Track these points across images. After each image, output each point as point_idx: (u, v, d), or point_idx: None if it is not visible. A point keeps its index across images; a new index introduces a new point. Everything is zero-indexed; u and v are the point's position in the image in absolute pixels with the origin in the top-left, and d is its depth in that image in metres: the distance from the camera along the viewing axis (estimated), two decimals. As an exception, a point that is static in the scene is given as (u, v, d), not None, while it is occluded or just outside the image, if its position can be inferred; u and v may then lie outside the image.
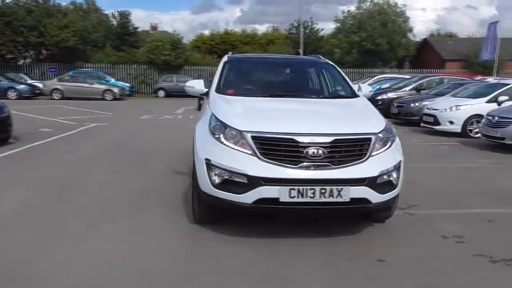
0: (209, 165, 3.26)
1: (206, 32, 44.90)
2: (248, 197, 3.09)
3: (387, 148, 3.33)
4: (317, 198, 3.08)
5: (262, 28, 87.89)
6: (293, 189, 3.05)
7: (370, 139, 3.24)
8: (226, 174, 3.17)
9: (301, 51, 27.39)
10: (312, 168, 3.09)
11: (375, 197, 3.20)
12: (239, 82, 4.68)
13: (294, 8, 75.02)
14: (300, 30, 29.74)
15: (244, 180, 3.10)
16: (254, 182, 3.07)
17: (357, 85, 4.56)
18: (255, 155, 3.11)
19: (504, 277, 2.93)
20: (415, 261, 3.14)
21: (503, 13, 76.59)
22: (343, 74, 4.67)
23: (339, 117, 3.65)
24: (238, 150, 3.17)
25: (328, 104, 4.07)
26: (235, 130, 3.23)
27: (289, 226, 3.72)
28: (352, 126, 3.35)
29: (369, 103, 4.05)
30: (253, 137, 3.16)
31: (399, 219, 3.97)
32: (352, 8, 34.39)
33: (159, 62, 27.71)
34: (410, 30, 31.44)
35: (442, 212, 4.28)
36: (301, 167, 3.08)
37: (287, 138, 3.14)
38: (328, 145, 3.13)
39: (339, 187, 3.08)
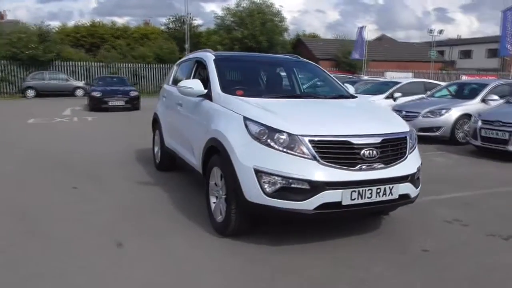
0: (259, 173, 3.04)
1: (57, 24, 40.78)
2: (311, 204, 2.98)
3: (415, 145, 3.54)
4: (374, 198, 3.13)
5: (121, 21, 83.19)
6: (354, 191, 3.05)
7: (406, 137, 3.40)
8: (282, 181, 3.00)
9: (187, 46, 26.97)
10: (368, 169, 3.12)
11: (413, 192, 3.39)
12: (238, 83, 4.45)
13: (155, 2, 72.78)
14: (186, 26, 29.26)
15: (306, 186, 2.97)
16: (318, 187, 2.97)
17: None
18: (315, 159, 3.01)
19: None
20: (450, 247, 3.41)
21: (345, 17, 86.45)
22: (330, 74, 4.79)
23: (374, 117, 3.73)
24: (295, 155, 3.02)
25: (350, 105, 4.12)
26: (287, 134, 3.07)
27: (323, 229, 3.69)
28: (391, 126, 3.46)
29: (374, 102, 4.23)
30: (310, 141, 3.05)
31: (398, 210, 4.25)
32: (232, 5, 34.98)
33: (24, 57, 24.33)
34: (286, 29, 33.42)
35: (424, 199, 4.70)
36: (359, 169, 3.08)
37: (343, 140, 3.11)
38: (378, 145, 3.19)
39: (391, 186, 3.18)
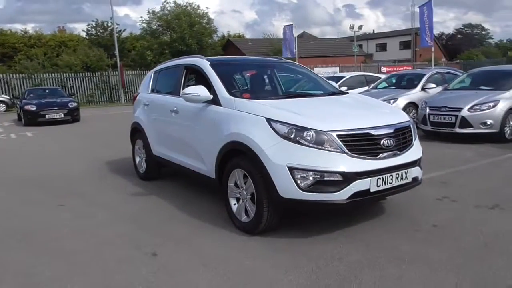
0: (293, 170, 3.22)
1: None
2: (344, 194, 3.22)
3: (416, 133, 3.93)
4: (394, 183, 3.46)
5: (25, 28, 76.48)
6: (379, 178, 3.34)
7: (410, 126, 3.78)
8: (316, 176, 3.20)
9: (116, 52, 26.00)
10: (387, 157, 3.42)
11: (420, 174, 3.79)
12: (239, 86, 4.56)
13: (61, 7, 68.73)
14: (111, 31, 28.13)
15: (339, 178, 3.20)
16: (350, 178, 3.22)
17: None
18: (344, 152, 3.25)
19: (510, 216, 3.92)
20: (454, 220, 3.85)
21: (262, 16, 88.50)
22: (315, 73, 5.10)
23: (380, 110, 4.04)
24: (326, 150, 3.24)
25: (351, 100, 4.39)
26: (315, 131, 3.27)
27: (335, 218, 3.94)
28: (397, 116, 3.80)
29: (367, 97, 4.59)
30: (338, 136, 3.28)
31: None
32: (157, 8, 34.17)
33: None
34: (215, 31, 33.54)
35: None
36: (380, 158, 3.38)
37: (365, 133, 3.38)
38: (393, 135, 3.52)
39: (406, 170, 3.52)
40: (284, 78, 5.20)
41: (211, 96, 4.08)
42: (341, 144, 3.27)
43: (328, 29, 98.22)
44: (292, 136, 3.30)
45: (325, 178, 3.21)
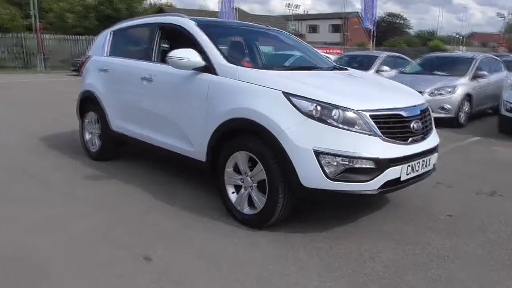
0: (320, 154, 2.71)
1: None
2: (376, 183, 2.79)
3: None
4: (420, 170, 3.11)
5: None
6: (409, 165, 2.96)
7: (429, 108, 3.44)
8: (347, 162, 2.73)
9: (33, 12, 23.15)
10: (415, 142, 3.05)
11: (436, 161, 3.48)
12: (236, 53, 3.88)
13: None
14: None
15: (371, 165, 2.76)
16: (383, 165, 2.79)
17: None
18: (377, 135, 2.80)
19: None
20: (465, 209, 3.63)
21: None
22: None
23: (398, 89, 3.63)
24: (358, 132, 2.76)
25: (362, 76, 3.92)
26: (346, 110, 2.78)
27: (344, 210, 3.54)
28: (417, 97, 3.44)
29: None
30: (372, 116, 2.82)
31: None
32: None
33: None
34: (146, -2, 31.32)
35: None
36: (410, 142, 3.00)
37: (396, 114, 2.97)
38: (419, 117, 3.15)
39: (430, 157, 3.19)
40: (277, 48, 4.60)
41: (203, 63, 3.38)
42: (375, 126, 2.81)
43: (256, 7, 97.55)
44: (318, 115, 2.77)
45: (356, 165, 2.74)
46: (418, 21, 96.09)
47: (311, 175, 2.75)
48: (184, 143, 3.60)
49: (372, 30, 19.50)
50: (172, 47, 3.82)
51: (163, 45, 4.09)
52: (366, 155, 2.74)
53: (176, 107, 3.64)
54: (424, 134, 3.17)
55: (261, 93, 2.99)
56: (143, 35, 4.34)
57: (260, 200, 3.01)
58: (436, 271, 2.57)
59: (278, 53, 4.58)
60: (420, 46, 42.48)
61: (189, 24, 3.74)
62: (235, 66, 3.27)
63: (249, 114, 2.97)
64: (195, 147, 3.48)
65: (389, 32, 51.69)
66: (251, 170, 3.08)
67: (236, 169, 3.19)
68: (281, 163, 2.83)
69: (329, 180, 2.73)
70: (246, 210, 3.14)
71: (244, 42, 4.33)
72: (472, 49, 44.21)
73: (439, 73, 8.60)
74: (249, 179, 3.09)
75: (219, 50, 3.45)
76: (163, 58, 3.88)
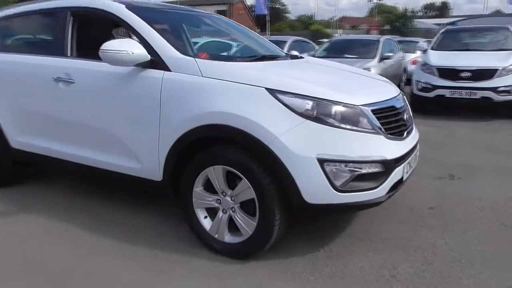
0: (325, 163, 2.22)
1: None
2: (384, 188, 2.39)
3: None
4: (413, 165, 2.81)
5: None
6: (408, 163, 2.63)
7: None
8: (355, 168, 2.29)
9: None
10: (409, 134, 2.74)
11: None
12: (182, 43, 3.13)
13: None
14: None
15: (380, 169, 2.35)
16: (391, 166, 2.40)
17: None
18: (381, 132, 2.41)
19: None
20: (439, 198, 3.49)
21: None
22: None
23: (374, 78, 3.26)
24: (361, 131, 2.33)
25: (331, 66, 3.44)
26: (349, 106, 2.33)
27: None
28: (393, 85, 3.13)
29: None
30: (373, 111, 2.41)
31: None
32: None
33: None
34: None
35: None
36: (406, 136, 2.67)
37: (391, 106, 2.60)
38: (405, 107, 2.86)
39: (417, 151, 2.91)
40: (218, 35, 3.92)
41: (149, 57, 2.63)
42: (378, 122, 2.40)
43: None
44: (316, 115, 2.26)
45: (365, 171, 2.31)
46: (293, 6, 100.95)
47: (317, 189, 2.25)
48: (127, 160, 2.81)
49: (266, 15, 19.48)
50: (92, 39, 2.97)
51: (80, 36, 3.17)
52: (375, 158, 2.32)
53: (112, 114, 2.82)
54: (411, 125, 2.87)
55: (239, 92, 2.38)
56: (47, 23, 3.33)
57: (248, 224, 2.43)
58: (466, 281, 2.28)
59: (223, 41, 3.92)
60: (302, 30, 44.38)
61: (118, 8, 2.90)
62: (192, 58, 2.59)
63: (226, 119, 2.34)
64: (144, 164, 2.73)
65: (272, 16, 53.15)
66: (230, 188, 2.47)
67: (209, 188, 2.56)
68: (276, 177, 2.28)
69: (337, 193, 2.26)
70: (228, 237, 2.53)
71: (186, 29, 3.60)
72: (346, 32, 47.68)
73: (348, 56, 8.69)
74: (228, 199, 2.48)
75: (167, 39, 2.71)
76: (84, 52, 3.01)
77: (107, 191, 3.53)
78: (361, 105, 2.36)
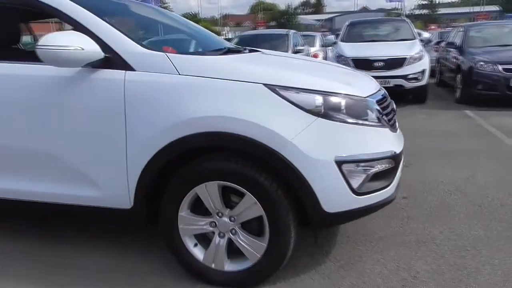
0: (343, 164, 1.96)
1: None
2: (393, 186, 2.21)
3: None
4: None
5: None
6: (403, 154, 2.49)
7: None
8: (371, 167, 2.06)
9: None
10: (396, 125, 2.60)
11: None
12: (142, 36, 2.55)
13: None
14: None
15: (391, 164, 2.16)
16: (398, 161, 2.23)
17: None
18: (386, 125, 2.21)
19: None
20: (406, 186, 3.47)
21: None
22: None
23: (349, 69, 3.02)
24: (371, 126, 2.11)
25: (295, 57, 3.11)
26: (357, 99, 2.09)
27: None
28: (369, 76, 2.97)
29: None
30: (378, 101, 2.20)
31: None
32: None
33: None
34: None
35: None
36: (396, 128, 2.52)
37: (383, 97, 2.41)
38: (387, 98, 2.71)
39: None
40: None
41: (103, 54, 2.08)
42: (382, 112, 2.21)
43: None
44: (325, 111, 1.98)
45: (379, 169, 2.09)
46: (174, 4, 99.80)
47: (336, 196, 1.97)
48: (80, 188, 2.22)
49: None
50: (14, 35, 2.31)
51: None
52: (387, 153, 2.12)
53: (55, 131, 2.19)
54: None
55: (232, 91, 1.98)
56: None
57: (255, 247, 2.05)
58: (484, 270, 2.21)
59: (180, 35, 3.39)
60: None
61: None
62: (163, 54, 2.11)
63: (222, 125, 1.92)
64: (106, 191, 2.18)
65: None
66: (227, 207, 2.06)
67: (197, 210, 2.12)
68: (289, 188, 1.95)
69: (356, 197, 2.01)
70: (229, 265, 2.13)
71: (142, 21, 3.03)
72: (233, 30, 48.35)
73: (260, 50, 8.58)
74: (226, 220, 2.07)
75: (123, 32, 2.18)
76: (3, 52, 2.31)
77: (57, 230, 2.82)
78: (367, 97, 2.13)
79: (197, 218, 2.11)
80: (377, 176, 2.08)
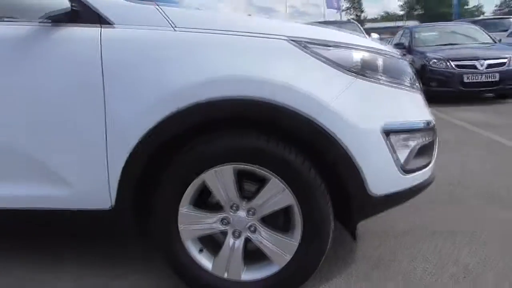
0: (390, 135, 1.59)
1: None
2: (433, 163, 1.88)
3: None
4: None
5: None
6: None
7: None
8: (418, 138, 1.71)
9: None
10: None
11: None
12: None
13: None
14: None
15: (431, 137, 1.82)
16: (436, 133, 1.89)
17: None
18: (419, 90, 1.87)
19: None
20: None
21: None
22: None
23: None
24: (410, 90, 1.75)
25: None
26: (391, 57, 1.74)
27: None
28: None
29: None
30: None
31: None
32: None
33: None
34: None
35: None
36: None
37: None
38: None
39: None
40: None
41: (69, 4, 1.54)
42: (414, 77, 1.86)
43: None
44: (366, 70, 1.60)
45: (423, 142, 1.74)
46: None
47: (384, 174, 1.59)
48: (39, 186, 1.64)
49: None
50: None
51: None
52: (430, 123, 1.78)
53: (5, 113, 1.61)
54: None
55: (248, 47, 1.55)
56: None
57: (282, 246, 1.59)
58: None
59: None
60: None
61: None
62: (152, 5, 1.61)
63: (239, 88, 1.47)
64: (77, 187, 1.62)
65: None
66: (245, 198, 1.60)
67: (200, 204, 1.63)
68: (327, 166, 1.53)
69: (403, 176, 1.64)
70: (246, 274, 1.65)
71: None
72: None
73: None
74: (243, 214, 1.60)
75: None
76: None
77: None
78: (398, 56, 1.79)
79: (204, 214, 1.62)
80: (421, 151, 1.72)
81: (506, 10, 41.66)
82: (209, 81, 1.46)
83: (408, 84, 1.73)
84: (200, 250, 1.66)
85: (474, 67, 7.08)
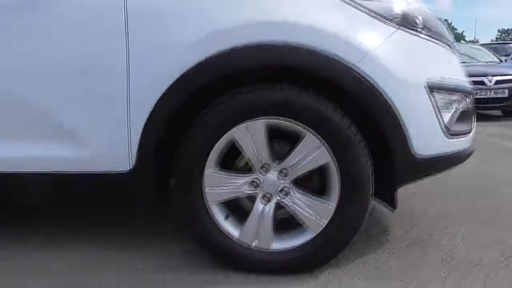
0: (434, 92, 1.48)
1: None
2: (473, 133, 1.76)
3: None
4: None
5: None
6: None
7: None
8: (462, 100, 1.60)
9: None
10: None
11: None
12: None
13: None
14: None
15: (471, 104, 1.70)
16: (474, 101, 1.78)
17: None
18: (454, 47, 1.76)
19: None
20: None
21: None
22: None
23: None
24: (447, 48, 1.65)
25: None
26: (427, 12, 1.63)
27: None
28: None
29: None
30: None
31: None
32: None
33: None
34: None
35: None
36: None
37: None
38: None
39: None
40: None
41: None
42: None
43: None
44: (407, 21, 1.50)
45: (465, 106, 1.63)
46: None
47: (428, 134, 1.47)
48: (55, 146, 1.51)
49: None
50: None
51: None
52: (470, 87, 1.67)
53: (18, 66, 1.50)
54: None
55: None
56: None
57: (318, 210, 1.45)
58: None
59: None
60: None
61: None
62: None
63: (280, 33, 1.37)
64: (94, 147, 1.49)
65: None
66: (276, 159, 1.47)
67: (227, 165, 1.50)
68: (369, 122, 1.41)
69: (447, 139, 1.51)
70: (277, 243, 1.49)
71: None
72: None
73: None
74: (274, 176, 1.47)
75: None
76: None
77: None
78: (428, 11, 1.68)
79: (232, 176, 1.48)
80: (463, 115, 1.60)
81: (503, 43, 42.77)
82: (245, 25, 1.36)
83: (449, 44, 1.63)
84: (226, 217, 1.52)
85: (483, 83, 7.02)
